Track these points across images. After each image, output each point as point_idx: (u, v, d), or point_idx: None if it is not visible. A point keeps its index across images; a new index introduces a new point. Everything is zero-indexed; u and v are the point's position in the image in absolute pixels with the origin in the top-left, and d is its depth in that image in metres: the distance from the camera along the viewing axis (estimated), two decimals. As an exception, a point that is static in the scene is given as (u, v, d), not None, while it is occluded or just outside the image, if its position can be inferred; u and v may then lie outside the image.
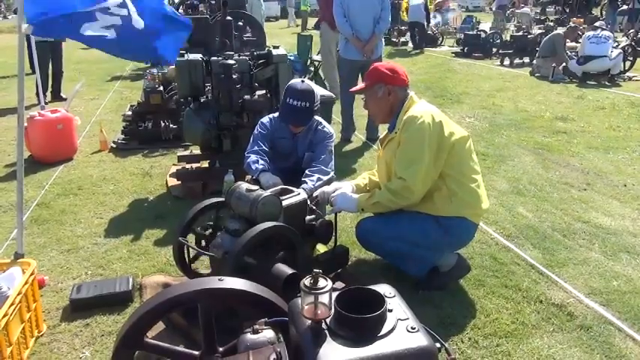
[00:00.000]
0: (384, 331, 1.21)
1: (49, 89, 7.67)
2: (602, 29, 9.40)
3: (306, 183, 2.89)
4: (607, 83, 8.90)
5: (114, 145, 5.40)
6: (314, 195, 2.75)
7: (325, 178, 2.99)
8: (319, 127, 3.21)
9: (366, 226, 2.78)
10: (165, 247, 3.18)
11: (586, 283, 2.82)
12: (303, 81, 3.15)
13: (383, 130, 3.03)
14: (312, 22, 22.56)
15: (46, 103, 6.15)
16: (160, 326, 2.28)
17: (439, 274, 2.73)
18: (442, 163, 2.52)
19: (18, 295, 2.14)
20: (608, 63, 8.92)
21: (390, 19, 5.53)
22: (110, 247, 3.25)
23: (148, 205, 3.97)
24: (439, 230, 2.57)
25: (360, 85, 2.84)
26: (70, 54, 10.93)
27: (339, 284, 2.54)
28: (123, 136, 5.53)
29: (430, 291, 2.68)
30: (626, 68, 9.78)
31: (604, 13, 19.43)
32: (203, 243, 2.53)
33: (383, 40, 5.74)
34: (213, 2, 8.84)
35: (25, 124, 4.71)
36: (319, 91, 3.55)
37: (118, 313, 2.55)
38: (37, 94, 5.85)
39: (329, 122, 3.60)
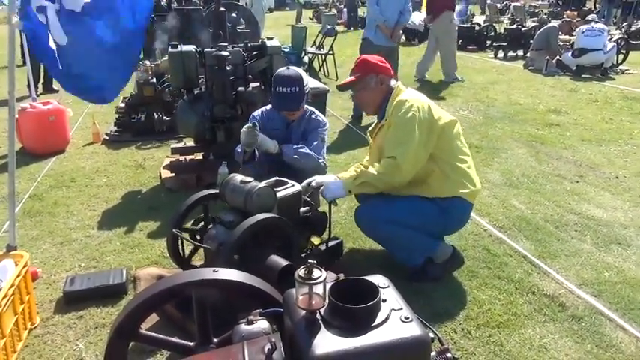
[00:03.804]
0: (377, 320, 1.22)
1: (41, 81, 7.59)
2: (596, 22, 9.41)
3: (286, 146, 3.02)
4: (600, 76, 8.94)
5: (107, 138, 5.37)
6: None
7: (307, 155, 3.04)
8: (312, 117, 3.22)
9: (365, 210, 2.76)
10: (158, 240, 3.18)
11: (577, 274, 2.85)
12: (288, 67, 3.15)
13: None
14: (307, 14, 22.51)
15: (37, 95, 6.10)
16: (154, 318, 2.28)
17: (434, 265, 2.74)
18: (432, 146, 2.56)
19: (11, 287, 2.13)
20: (602, 56, 8.95)
21: (411, 11, 6.41)
22: (103, 239, 3.24)
23: (141, 198, 3.95)
24: (437, 211, 2.61)
25: (350, 77, 2.80)
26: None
27: (341, 275, 2.56)
28: (116, 128, 5.50)
29: (424, 282, 2.70)
30: (619, 61, 9.82)
31: (597, 5, 19.47)
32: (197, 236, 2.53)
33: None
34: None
35: (17, 116, 4.68)
36: (313, 83, 3.55)
37: (111, 305, 2.55)
38: (29, 85, 5.79)
39: (323, 114, 3.59)
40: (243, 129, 2.87)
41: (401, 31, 6.60)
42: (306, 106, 3.19)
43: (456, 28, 8.49)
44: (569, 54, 9.10)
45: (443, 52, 8.60)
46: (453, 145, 2.65)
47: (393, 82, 2.77)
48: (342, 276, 2.61)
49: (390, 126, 2.61)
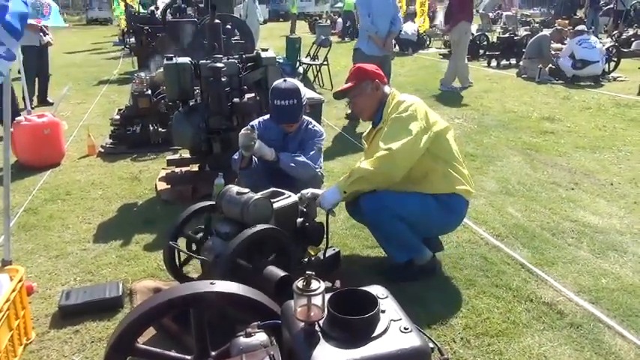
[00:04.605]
0: (377, 332, 1.21)
1: (35, 94, 7.58)
2: (587, 32, 9.47)
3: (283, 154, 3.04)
4: (592, 84, 9.00)
5: (102, 150, 5.36)
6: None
7: (304, 163, 3.05)
8: (309, 127, 3.24)
9: (372, 197, 2.69)
10: (155, 252, 3.16)
11: (575, 282, 2.85)
12: (285, 80, 3.16)
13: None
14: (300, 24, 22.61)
15: (32, 108, 6.10)
16: (151, 331, 2.26)
17: (413, 266, 2.83)
18: (427, 144, 2.60)
19: (6, 302, 2.11)
20: (599, 67, 9.07)
21: (401, 20, 6.55)
22: (99, 252, 3.22)
23: (137, 210, 3.94)
24: (437, 205, 2.68)
25: (346, 85, 2.88)
26: (57, 58, 10.82)
27: (337, 282, 2.59)
28: (111, 141, 5.48)
29: (403, 281, 2.75)
30: (611, 69, 9.90)
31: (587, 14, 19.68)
32: (194, 247, 2.51)
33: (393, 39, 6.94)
34: (201, 5, 8.81)
35: (12, 129, 4.67)
36: (308, 93, 3.56)
37: (108, 319, 2.52)
38: (24, 98, 5.78)
39: (318, 124, 3.60)
40: (242, 131, 2.89)
41: (393, 40, 6.81)
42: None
43: (469, 41, 8.86)
44: (570, 65, 9.08)
45: (452, 58, 8.89)
46: (450, 148, 2.74)
47: (387, 89, 2.85)
48: (337, 283, 2.64)
49: (387, 127, 2.66)
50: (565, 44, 9.82)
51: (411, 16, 15.29)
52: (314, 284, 1.22)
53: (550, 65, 9.46)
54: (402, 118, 2.61)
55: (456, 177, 2.70)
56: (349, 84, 2.86)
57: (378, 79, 2.81)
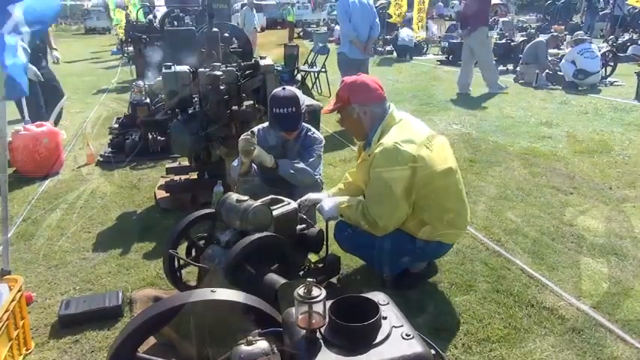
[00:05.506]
0: (379, 338, 1.21)
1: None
2: (590, 42, 9.48)
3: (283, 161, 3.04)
4: (589, 88, 9.03)
5: (101, 159, 5.35)
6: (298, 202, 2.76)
7: (303, 170, 3.05)
8: (309, 134, 3.24)
9: (344, 231, 2.78)
10: (154, 260, 3.15)
11: (576, 286, 2.85)
12: (284, 88, 3.17)
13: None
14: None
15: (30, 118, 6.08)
16: (151, 341, 2.25)
17: (409, 274, 2.82)
18: (413, 198, 2.50)
19: (5, 312, 2.10)
20: (599, 77, 9.15)
21: (379, 25, 6.87)
22: (98, 261, 3.21)
23: (136, 218, 3.93)
24: (413, 247, 2.63)
25: (334, 104, 2.69)
26: (55, 67, 10.83)
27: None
28: (110, 149, 5.48)
29: (401, 290, 2.73)
30: (608, 74, 9.94)
31: (583, 19, 19.80)
32: (194, 253, 2.51)
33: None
34: (198, 14, 8.85)
35: (10, 139, 4.67)
36: (306, 100, 3.57)
37: (107, 328, 2.51)
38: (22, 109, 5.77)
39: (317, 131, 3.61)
40: (242, 136, 2.89)
41: (372, 44, 7.25)
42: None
43: (492, 42, 9.24)
44: (572, 71, 9.05)
45: (482, 65, 8.97)
46: (440, 195, 2.55)
47: (382, 108, 2.61)
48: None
49: (370, 175, 2.52)
50: (561, 49, 9.84)
51: (408, 22, 15.34)
52: (315, 291, 1.22)
53: (547, 70, 9.49)
54: (384, 179, 2.45)
55: (436, 228, 2.56)
56: (335, 105, 2.67)
57: (366, 102, 2.57)
